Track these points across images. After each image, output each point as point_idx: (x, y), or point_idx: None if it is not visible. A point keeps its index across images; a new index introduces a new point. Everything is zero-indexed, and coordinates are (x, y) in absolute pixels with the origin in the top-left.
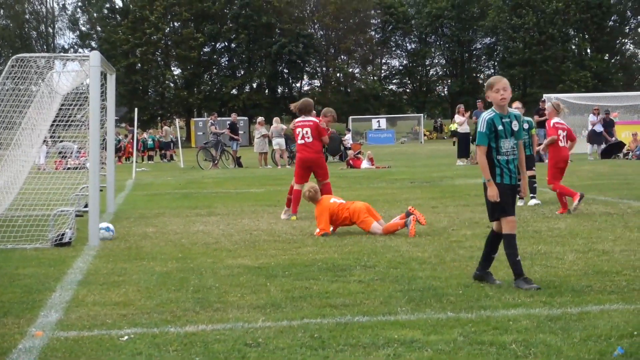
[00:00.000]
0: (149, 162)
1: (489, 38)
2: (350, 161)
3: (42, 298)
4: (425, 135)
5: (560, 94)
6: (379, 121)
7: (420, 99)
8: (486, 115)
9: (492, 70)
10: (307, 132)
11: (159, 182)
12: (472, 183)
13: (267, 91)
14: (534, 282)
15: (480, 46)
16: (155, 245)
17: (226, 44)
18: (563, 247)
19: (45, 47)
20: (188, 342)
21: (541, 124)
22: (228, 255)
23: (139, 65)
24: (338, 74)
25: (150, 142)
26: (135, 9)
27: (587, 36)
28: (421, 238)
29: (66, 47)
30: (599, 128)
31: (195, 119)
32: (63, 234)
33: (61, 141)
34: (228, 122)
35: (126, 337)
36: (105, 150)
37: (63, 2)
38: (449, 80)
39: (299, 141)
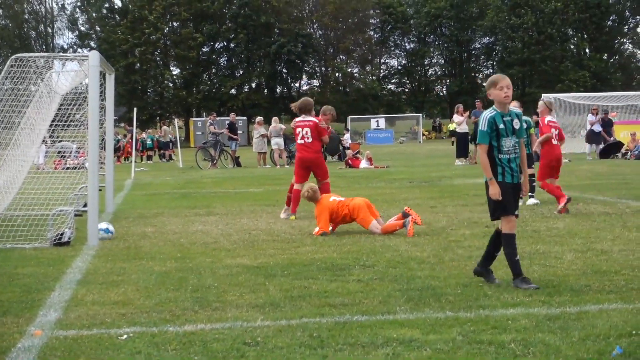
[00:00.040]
0: (148, 162)
1: (487, 38)
2: (349, 161)
3: (41, 297)
4: (424, 135)
5: (559, 93)
6: (377, 121)
7: (419, 98)
8: (487, 113)
9: (491, 70)
10: (306, 132)
11: (157, 181)
12: (471, 183)
13: (266, 91)
14: (532, 282)
15: (479, 46)
16: (154, 245)
17: (225, 43)
18: (562, 247)
19: (44, 47)
20: (187, 341)
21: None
22: (227, 254)
23: (138, 65)
24: (337, 74)
25: (149, 142)
26: (134, 8)
27: (585, 36)
28: (420, 238)
29: (65, 47)
30: (597, 128)
31: (194, 119)
32: (62, 234)
33: (60, 141)
34: (227, 122)
35: (125, 336)
36: (104, 150)
37: (62, 2)
38: (448, 80)
39: (299, 141)
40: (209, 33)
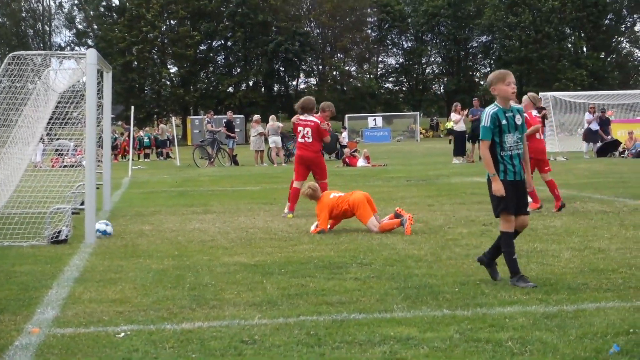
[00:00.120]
0: (146, 160)
1: (485, 36)
2: (347, 159)
3: (38, 295)
4: (421, 133)
5: (556, 92)
6: (375, 119)
7: (417, 97)
8: (490, 109)
9: (489, 69)
10: (307, 132)
11: (155, 180)
12: (468, 181)
13: (263, 89)
14: (530, 280)
15: (476, 44)
16: (152, 243)
17: (222, 42)
18: (559, 245)
19: (41, 45)
20: (184, 339)
21: None
22: (224, 252)
23: (136, 63)
24: (334, 72)
25: (146, 140)
26: (131, 7)
27: (583, 34)
28: (417, 236)
29: (63, 45)
30: (594, 126)
31: (191, 117)
32: (59, 232)
33: (57, 139)
34: (224, 120)
35: (122, 334)
36: (102, 148)
37: (59, 0)
38: (445, 79)
39: (299, 139)
40: (207, 31)
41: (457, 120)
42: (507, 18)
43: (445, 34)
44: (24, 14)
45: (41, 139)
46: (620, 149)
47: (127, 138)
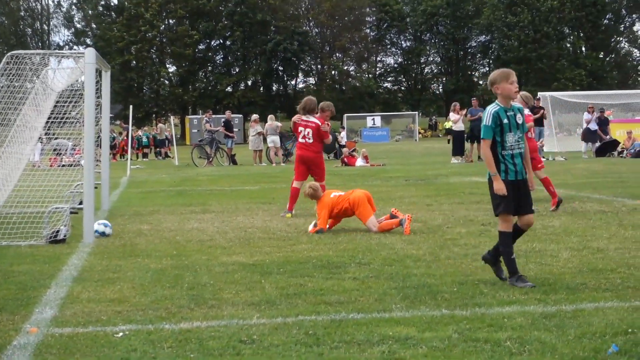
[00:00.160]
0: (144, 159)
1: (484, 36)
2: (345, 159)
3: (36, 295)
4: (420, 133)
5: (555, 92)
6: (373, 119)
7: (415, 96)
8: (491, 108)
9: (487, 68)
10: (308, 132)
11: (153, 179)
12: (467, 181)
13: (262, 89)
14: (528, 280)
15: (475, 44)
16: (150, 243)
17: (221, 41)
18: (557, 245)
19: (40, 44)
20: (183, 339)
21: (535, 122)
22: (223, 252)
23: (134, 62)
24: (333, 72)
25: (144, 139)
26: (130, 6)
27: (582, 34)
28: (416, 236)
29: (61, 44)
30: (593, 126)
31: (189, 117)
32: (58, 231)
33: (56, 138)
34: (223, 119)
35: (121, 334)
36: (100, 147)
37: None
38: (444, 78)
39: (300, 139)
40: (205, 31)
41: (455, 120)
42: (505, 18)
43: (444, 33)
44: (22, 13)
45: (39, 138)
46: (619, 148)
47: (125, 137)
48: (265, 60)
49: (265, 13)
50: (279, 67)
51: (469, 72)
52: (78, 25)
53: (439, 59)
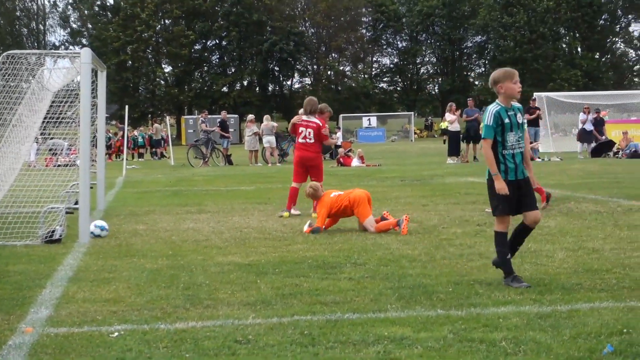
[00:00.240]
0: (140, 159)
1: (479, 36)
2: (341, 159)
3: (32, 295)
4: (415, 133)
5: (550, 92)
6: (369, 119)
7: (411, 97)
8: (493, 108)
9: (483, 69)
10: (309, 132)
11: (149, 179)
12: (463, 181)
13: (257, 89)
14: (523, 280)
15: (471, 44)
16: (146, 243)
17: (217, 41)
18: (553, 245)
19: (36, 44)
20: (178, 339)
21: (531, 122)
22: (218, 252)
23: (130, 62)
24: (329, 72)
25: (140, 139)
26: (126, 6)
27: (577, 35)
28: (411, 236)
29: (57, 44)
30: (589, 127)
31: (185, 117)
32: (53, 231)
33: (52, 138)
34: (218, 119)
35: (116, 334)
36: (96, 147)
37: None
38: (440, 79)
39: (300, 140)
40: (201, 31)
41: (451, 121)
42: (501, 18)
43: (440, 34)
44: (18, 13)
45: (35, 138)
46: (614, 149)
47: (121, 138)
48: (261, 61)
49: (261, 13)
50: (275, 68)
51: (465, 73)
52: (74, 25)
53: (435, 60)
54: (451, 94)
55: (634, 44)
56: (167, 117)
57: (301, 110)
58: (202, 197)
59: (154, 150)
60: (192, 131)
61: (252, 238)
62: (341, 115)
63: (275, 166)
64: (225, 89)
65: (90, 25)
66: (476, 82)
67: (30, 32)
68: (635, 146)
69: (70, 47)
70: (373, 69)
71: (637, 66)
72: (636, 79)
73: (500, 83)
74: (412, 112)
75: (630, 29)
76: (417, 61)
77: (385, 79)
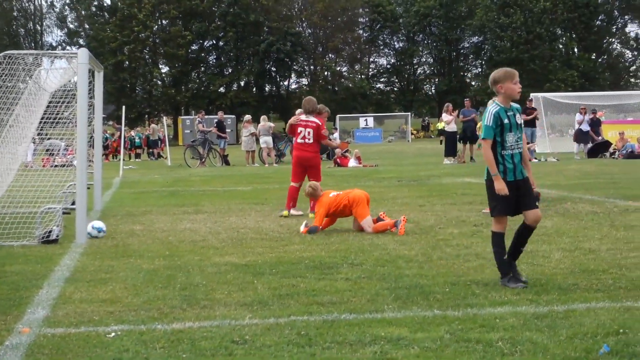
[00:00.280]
0: (137, 159)
1: (476, 37)
2: (338, 159)
3: (29, 295)
4: (412, 134)
5: (547, 93)
6: (366, 120)
7: (408, 97)
8: (492, 108)
9: (480, 69)
10: (309, 132)
11: (146, 179)
12: (459, 182)
13: (254, 89)
14: (520, 281)
15: (467, 45)
16: (143, 243)
17: (214, 42)
18: (549, 246)
19: (33, 45)
20: (175, 339)
21: (527, 123)
22: (215, 252)
23: (127, 63)
24: (326, 73)
25: (137, 140)
26: (123, 6)
27: (574, 35)
28: (408, 236)
29: (54, 44)
30: (585, 127)
31: (182, 117)
32: (50, 232)
33: (49, 139)
34: (215, 120)
35: (113, 334)
36: (93, 147)
37: None
38: (437, 79)
39: (298, 140)
40: (198, 31)
41: (448, 121)
42: (498, 19)
43: (437, 34)
44: (15, 14)
45: (32, 138)
46: (610, 149)
47: (117, 138)
48: (258, 61)
49: (258, 14)
50: (272, 68)
51: (462, 73)
52: (71, 26)
53: (432, 60)
54: (448, 94)
55: (630, 44)
56: (164, 117)
57: (298, 111)
58: (199, 197)
59: (151, 150)
60: (189, 132)
61: (249, 238)
62: (338, 115)
63: (272, 167)
64: (222, 89)
65: (87, 26)
66: (473, 83)
67: (27, 33)
68: (632, 147)
69: (68, 47)
70: (370, 70)
71: (634, 67)
72: (632, 80)
73: (500, 83)
74: (409, 113)
75: (627, 29)
76: (414, 62)
77: (382, 80)
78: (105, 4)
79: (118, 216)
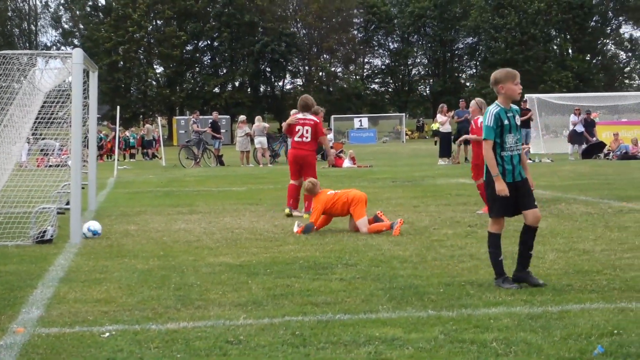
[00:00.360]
0: (131, 160)
1: (471, 38)
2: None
3: (23, 295)
4: (407, 134)
5: (541, 94)
6: (360, 120)
7: (402, 98)
8: (493, 109)
9: (474, 70)
10: (307, 130)
11: (140, 180)
12: (454, 182)
13: (249, 90)
14: (514, 282)
15: (462, 46)
16: (137, 243)
17: (209, 42)
18: (544, 247)
19: (27, 45)
20: (169, 339)
21: (522, 124)
22: (209, 253)
23: (122, 63)
24: (320, 73)
25: (132, 140)
26: (117, 6)
27: (568, 37)
28: (403, 237)
29: (49, 44)
30: (579, 128)
31: (177, 117)
32: (45, 232)
33: (43, 139)
34: (210, 120)
35: (107, 334)
36: (87, 148)
37: None
38: (431, 80)
39: (296, 138)
40: (193, 31)
41: (443, 122)
42: (493, 20)
43: (431, 35)
44: (9, 14)
45: (27, 138)
46: (605, 150)
47: (112, 138)
48: (253, 62)
49: (252, 14)
50: (267, 69)
51: (456, 74)
52: (66, 26)
53: (426, 61)
54: (442, 95)
55: (624, 45)
56: (159, 117)
57: (293, 111)
58: (193, 197)
59: (145, 150)
60: (183, 132)
61: (244, 239)
62: (333, 116)
63: (267, 167)
64: (216, 89)
65: (82, 26)
66: (467, 84)
67: (22, 33)
68: (626, 148)
69: (62, 47)
70: (364, 70)
71: (628, 68)
72: (627, 81)
73: (501, 83)
74: (404, 114)
75: (621, 30)
76: (409, 62)
77: (376, 80)
78: (99, 4)
79: (112, 216)
